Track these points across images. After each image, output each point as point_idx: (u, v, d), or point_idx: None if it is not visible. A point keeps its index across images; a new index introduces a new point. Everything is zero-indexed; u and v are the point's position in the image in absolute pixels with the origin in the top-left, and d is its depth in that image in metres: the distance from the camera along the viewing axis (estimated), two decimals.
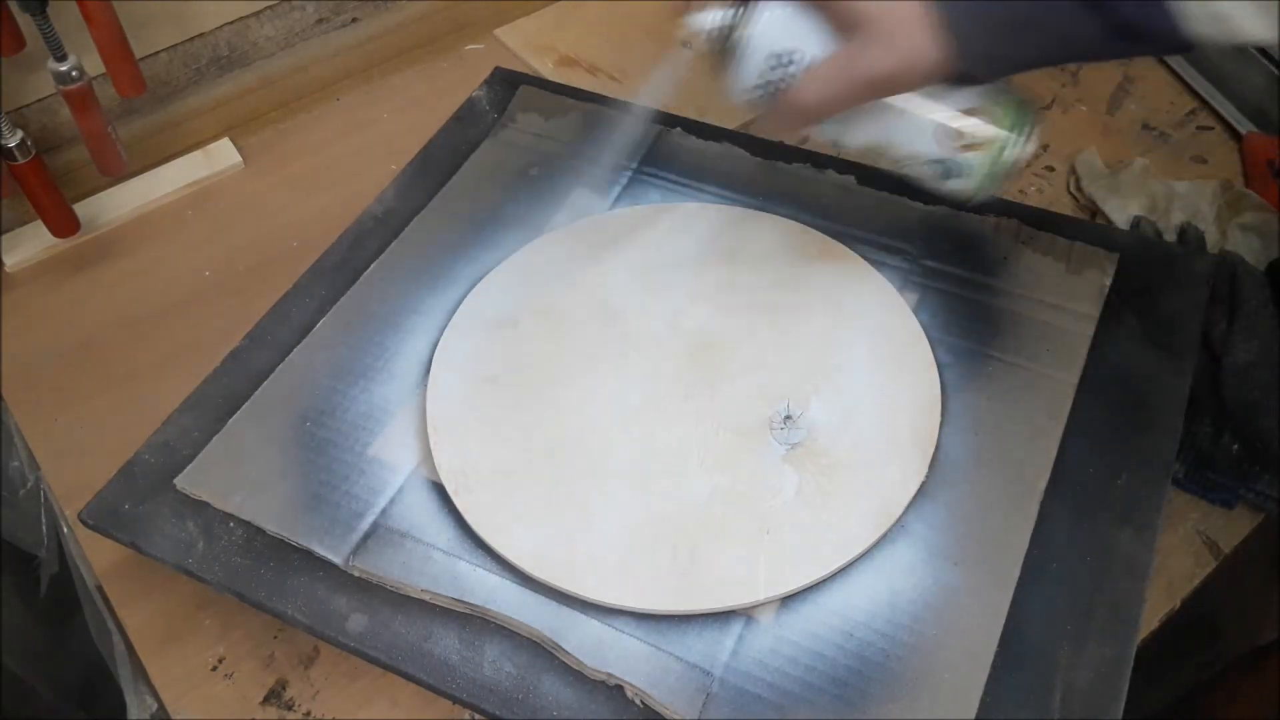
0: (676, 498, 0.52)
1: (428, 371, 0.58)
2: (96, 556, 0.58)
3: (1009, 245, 0.62)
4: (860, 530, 0.50)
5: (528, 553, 0.50)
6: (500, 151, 0.70)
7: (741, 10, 0.49)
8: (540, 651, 0.48)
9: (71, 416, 0.64)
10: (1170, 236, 0.68)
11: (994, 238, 0.62)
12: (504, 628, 0.49)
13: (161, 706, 0.53)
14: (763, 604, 0.49)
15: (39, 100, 0.72)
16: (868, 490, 0.52)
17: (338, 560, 0.51)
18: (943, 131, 0.50)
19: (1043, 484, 0.52)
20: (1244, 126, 0.78)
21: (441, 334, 0.59)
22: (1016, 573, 0.49)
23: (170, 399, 0.58)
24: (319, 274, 0.64)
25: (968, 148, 0.50)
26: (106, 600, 0.58)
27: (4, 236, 0.74)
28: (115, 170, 0.72)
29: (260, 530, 0.52)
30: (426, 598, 0.50)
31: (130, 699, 0.61)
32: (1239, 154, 0.77)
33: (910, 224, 0.63)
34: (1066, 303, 0.59)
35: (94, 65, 0.67)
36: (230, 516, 0.53)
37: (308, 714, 0.52)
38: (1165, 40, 0.44)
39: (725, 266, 0.62)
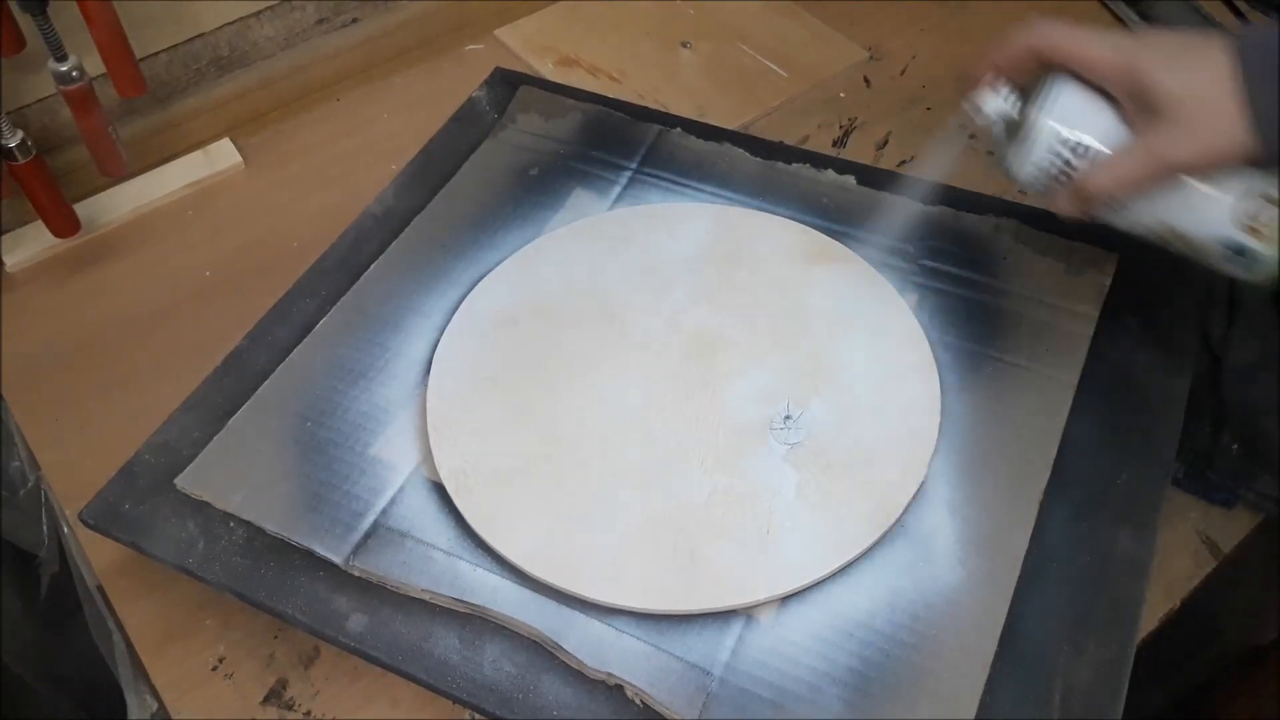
0: (676, 497, 0.52)
1: (428, 371, 0.58)
2: (96, 556, 0.58)
3: (1009, 245, 0.62)
4: (860, 530, 0.50)
5: (528, 552, 0.50)
6: (500, 151, 0.70)
7: (1035, 95, 0.49)
8: (540, 651, 0.48)
9: (71, 416, 0.64)
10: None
11: (994, 238, 0.62)
12: (504, 628, 0.49)
13: (161, 706, 0.53)
14: (763, 604, 0.49)
15: (39, 100, 0.72)
16: (868, 490, 0.52)
17: (338, 560, 0.51)
18: (1235, 217, 0.48)
19: (1043, 484, 0.52)
20: None
21: (441, 334, 0.59)
22: (1016, 573, 0.49)
23: (170, 399, 0.58)
24: (319, 274, 0.64)
25: (1258, 235, 0.47)
26: (106, 600, 0.58)
27: (4, 236, 0.74)
28: (115, 170, 0.72)
29: (260, 530, 0.52)
30: (426, 598, 0.50)
31: (130, 699, 0.61)
32: None
33: (910, 224, 0.63)
34: (1066, 303, 0.59)
35: (94, 65, 0.67)
36: (230, 516, 0.53)
37: (308, 714, 0.52)
38: None
39: (725, 266, 0.62)
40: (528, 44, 0.86)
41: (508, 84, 0.75)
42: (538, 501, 0.52)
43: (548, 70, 0.83)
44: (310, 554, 0.51)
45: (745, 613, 0.49)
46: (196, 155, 0.78)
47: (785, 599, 0.49)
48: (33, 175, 0.69)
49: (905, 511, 0.51)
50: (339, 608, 0.50)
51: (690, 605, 0.48)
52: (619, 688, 0.47)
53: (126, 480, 0.55)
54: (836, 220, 0.64)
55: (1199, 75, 0.45)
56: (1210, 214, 0.48)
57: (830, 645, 0.47)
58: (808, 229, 0.63)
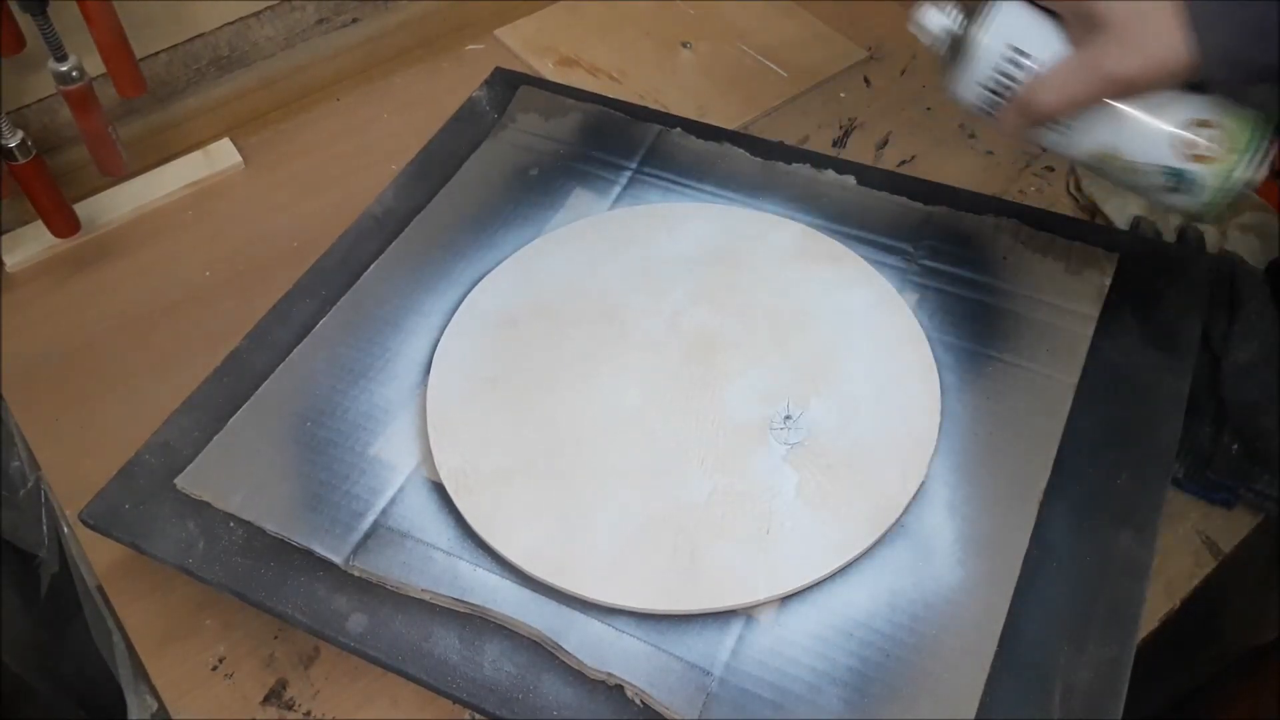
0: (676, 498, 0.52)
1: (428, 371, 0.58)
2: (96, 556, 0.58)
3: (1009, 245, 0.62)
4: (860, 530, 0.50)
5: (528, 553, 0.50)
6: (500, 151, 0.70)
7: (979, 12, 0.49)
8: (540, 651, 0.48)
9: (71, 416, 0.64)
10: (1170, 236, 0.68)
11: (994, 238, 0.62)
12: (504, 628, 0.49)
13: (161, 706, 0.53)
14: (763, 604, 0.49)
15: (39, 100, 0.72)
16: (868, 490, 0.52)
17: (338, 560, 0.51)
18: (1176, 140, 0.48)
19: (1043, 484, 0.52)
20: None
21: (441, 334, 0.60)
22: (1016, 573, 0.49)
23: (170, 399, 0.58)
24: (319, 274, 0.64)
25: (1199, 159, 0.48)
26: (106, 600, 0.58)
27: (4, 236, 0.74)
28: (115, 170, 0.72)
29: (260, 530, 0.52)
30: (426, 598, 0.50)
31: (130, 699, 0.61)
32: None
33: (910, 224, 0.63)
34: (1066, 303, 0.59)
35: (94, 65, 0.67)
36: (230, 516, 0.53)
37: (308, 714, 0.52)
38: None
39: (725, 266, 0.62)
40: (528, 44, 0.86)
41: (508, 84, 0.75)
42: (538, 501, 0.52)
43: (548, 70, 0.83)
44: (310, 554, 0.51)
45: (745, 613, 0.49)
46: (196, 155, 0.78)
47: (785, 599, 0.49)
48: (33, 175, 0.69)
49: (905, 511, 0.51)
50: (339, 608, 0.50)
51: (690, 605, 0.48)
52: (619, 688, 0.47)
53: (126, 480, 0.55)
54: (836, 220, 0.64)
55: None
56: (1151, 138, 0.48)
57: (830, 645, 0.47)
58: (808, 229, 0.63)
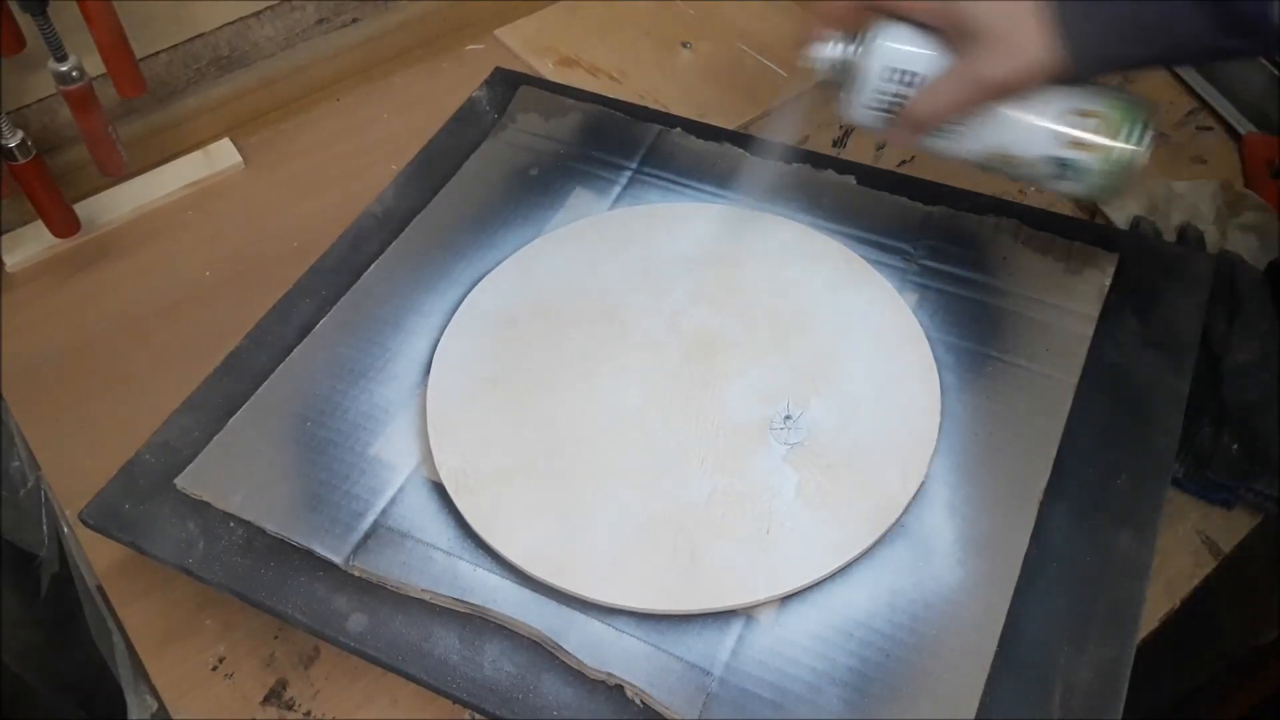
0: (676, 498, 0.52)
1: (428, 371, 0.58)
2: (96, 556, 0.58)
3: (1009, 245, 0.62)
4: (860, 530, 0.50)
5: (528, 553, 0.50)
6: (500, 151, 0.70)
7: (860, 38, 0.51)
8: (540, 651, 0.48)
9: (71, 416, 0.64)
10: (1170, 236, 0.68)
11: (994, 238, 0.62)
12: (504, 628, 0.49)
13: (162, 706, 0.53)
14: (763, 604, 0.49)
15: (39, 100, 0.72)
16: (868, 490, 0.52)
17: (338, 560, 0.51)
18: (1059, 133, 0.50)
19: (1043, 484, 0.52)
20: (1244, 127, 0.78)
21: (441, 334, 0.59)
22: (1016, 573, 0.49)
23: (170, 399, 0.58)
24: (319, 274, 0.64)
25: (1081, 147, 0.50)
26: (106, 600, 0.58)
27: (4, 236, 0.74)
28: (115, 170, 0.72)
29: (260, 530, 0.52)
30: (426, 598, 0.50)
31: (130, 699, 0.61)
32: (1239, 154, 0.77)
33: (910, 224, 0.63)
34: (1066, 303, 0.59)
35: (94, 65, 0.67)
36: (230, 516, 0.53)
37: (308, 714, 0.52)
38: (1276, 34, 0.45)
39: (725, 266, 0.62)
40: (528, 44, 0.86)
41: (508, 84, 0.75)
42: (538, 501, 0.52)
43: (548, 70, 0.83)
44: (310, 554, 0.51)
45: (745, 613, 0.49)
46: (196, 155, 0.78)
47: (785, 599, 0.49)
48: (33, 175, 0.69)
49: (905, 511, 0.51)
50: (339, 608, 0.50)
51: (690, 605, 0.48)
52: (619, 688, 0.47)
53: (126, 480, 0.55)
54: (836, 220, 0.64)
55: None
56: (1034, 133, 0.50)
57: (830, 645, 0.47)
58: (807, 229, 0.63)
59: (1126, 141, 0.49)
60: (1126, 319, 0.58)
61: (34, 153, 0.68)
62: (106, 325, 0.69)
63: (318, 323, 0.61)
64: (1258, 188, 0.73)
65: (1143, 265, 0.60)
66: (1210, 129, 0.78)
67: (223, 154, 0.79)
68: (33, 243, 0.73)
